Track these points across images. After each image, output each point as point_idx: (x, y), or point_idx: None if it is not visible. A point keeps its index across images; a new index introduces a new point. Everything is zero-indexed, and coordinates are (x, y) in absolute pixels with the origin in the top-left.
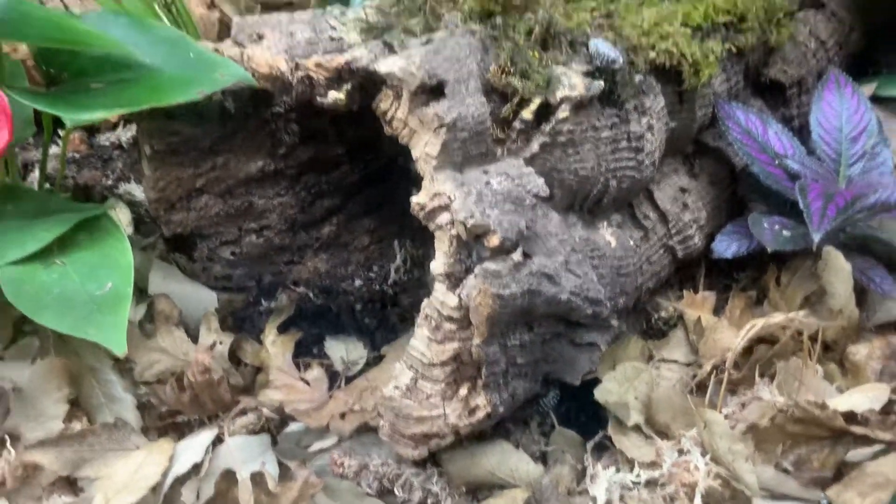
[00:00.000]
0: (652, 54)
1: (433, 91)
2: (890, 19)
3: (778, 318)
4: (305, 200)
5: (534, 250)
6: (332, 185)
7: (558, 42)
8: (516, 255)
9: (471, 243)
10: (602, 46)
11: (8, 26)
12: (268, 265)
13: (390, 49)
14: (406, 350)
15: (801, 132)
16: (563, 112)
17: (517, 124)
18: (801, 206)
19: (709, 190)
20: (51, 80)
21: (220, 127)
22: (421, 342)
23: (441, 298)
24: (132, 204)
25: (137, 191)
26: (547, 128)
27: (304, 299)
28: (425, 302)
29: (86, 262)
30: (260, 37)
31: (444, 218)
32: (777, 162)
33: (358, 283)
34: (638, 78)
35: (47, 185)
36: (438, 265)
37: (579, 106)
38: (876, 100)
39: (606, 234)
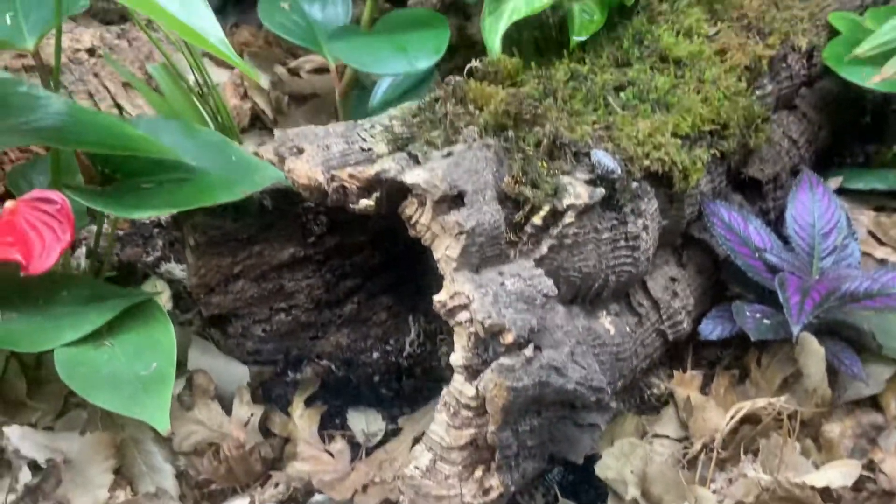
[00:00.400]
0: (646, 162)
1: (454, 200)
2: (853, 118)
3: (760, 402)
4: (330, 282)
5: (543, 342)
6: (355, 267)
7: (564, 153)
8: (528, 351)
9: (487, 339)
10: (602, 158)
11: (68, 134)
12: (295, 340)
13: (415, 160)
14: (426, 433)
15: (777, 223)
16: (569, 218)
17: (528, 229)
18: (781, 299)
19: (696, 278)
20: (105, 179)
21: (258, 221)
22: (440, 427)
23: (459, 388)
24: (172, 282)
25: (177, 270)
26: (555, 232)
27: (327, 371)
28: (445, 390)
29: (132, 344)
30: (300, 150)
31: (463, 316)
32: (757, 255)
33: (376, 355)
34: (634, 184)
35: (97, 263)
36: (458, 358)
37: (583, 211)
38: (843, 191)
39: (606, 323)
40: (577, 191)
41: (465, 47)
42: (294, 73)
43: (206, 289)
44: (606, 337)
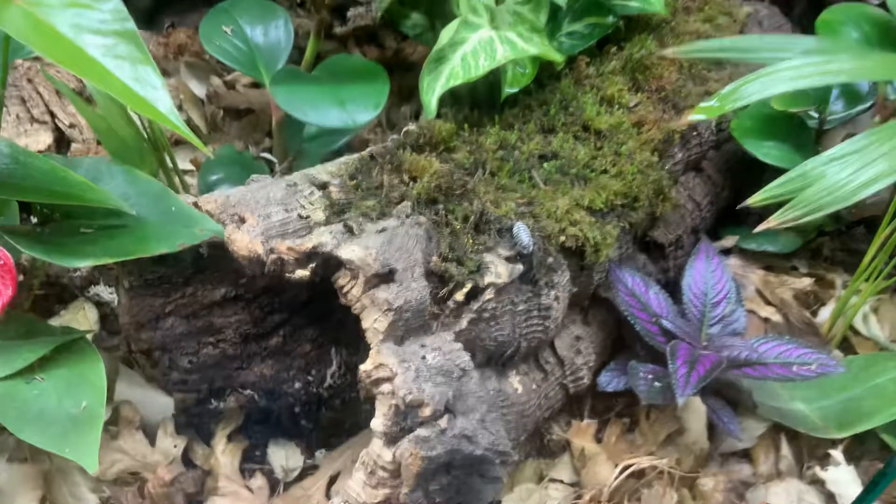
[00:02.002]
0: (562, 238)
1: (384, 276)
2: (754, 176)
3: (645, 461)
4: (258, 317)
5: (456, 408)
6: (283, 303)
7: (489, 228)
8: (443, 422)
9: (407, 411)
10: (521, 233)
11: (9, 179)
12: (220, 371)
13: (350, 231)
14: (344, 488)
15: (675, 281)
16: (488, 294)
17: (451, 303)
18: (670, 370)
19: (599, 335)
20: (43, 219)
21: (193, 266)
22: (357, 484)
23: (378, 452)
24: (99, 304)
25: (105, 293)
26: (475, 306)
27: (249, 401)
28: (364, 451)
29: (63, 380)
30: (242, 220)
31: (386, 388)
32: (654, 320)
33: (297, 385)
34: (550, 259)
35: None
36: (378, 424)
37: (502, 288)
38: (737, 250)
39: (514, 382)
40: (499, 270)
41: (400, 69)
42: (230, 85)
43: (137, 325)
44: (514, 396)
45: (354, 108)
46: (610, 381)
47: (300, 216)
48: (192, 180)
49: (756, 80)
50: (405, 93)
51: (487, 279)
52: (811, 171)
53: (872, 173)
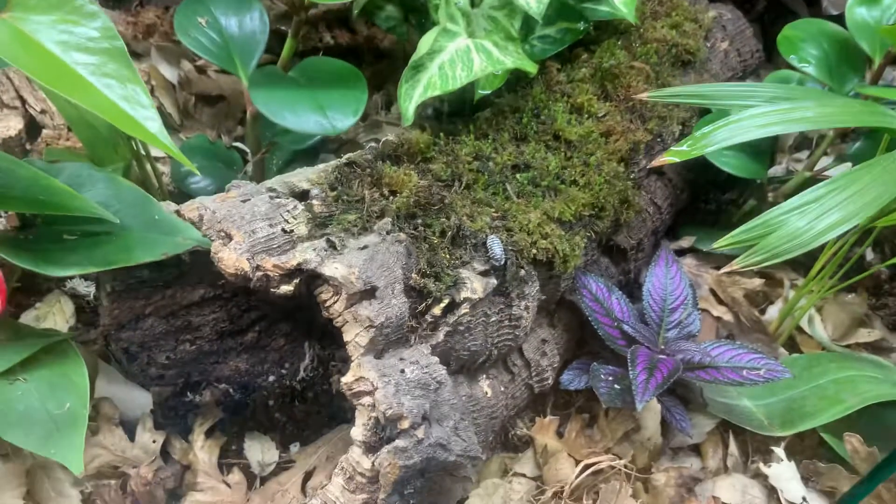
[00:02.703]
0: (534, 251)
1: (367, 292)
2: (712, 176)
3: (604, 462)
4: (235, 315)
5: (431, 416)
6: (259, 300)
7: (465, 242)
8: (420, 432)
9: (386, 424)
10: (494, 245)
11: None
12: (196, 365)
13: (333, 247)
14: (324, 492)
15: (636, 281)
16: (464, 309)
17: (428, 317)
18: (630, 375)
19: (563, 336)
20: (25, 223)
21: (175, 271)
22: (336, 488)
23: (357, 459)
24: (75, 297)
25: (81, 286)
26: (451, 320)
27: (224, 394)
28: (343, 458)
29: (46, 381)
30: (228, 236)
31: (366, 400)
32: (616, 325)
33: (272, 378)
34: (521, 272)
35: None
36: (357, 433)
37: (477, 302)
38: (693, 250)
39: (484, 386)
40: (474, 287)
41: (371, 55)
42: (202, 70)
43: (118, 325)
44: (484, 400)
45: (334, 114)
46: (573, 380)
47: (284, 230)
48: (164, 168)
49: (725, 127)
50: (377, 80)
51: (463, 294)
52: (773, 220)
53: (829, 222)
